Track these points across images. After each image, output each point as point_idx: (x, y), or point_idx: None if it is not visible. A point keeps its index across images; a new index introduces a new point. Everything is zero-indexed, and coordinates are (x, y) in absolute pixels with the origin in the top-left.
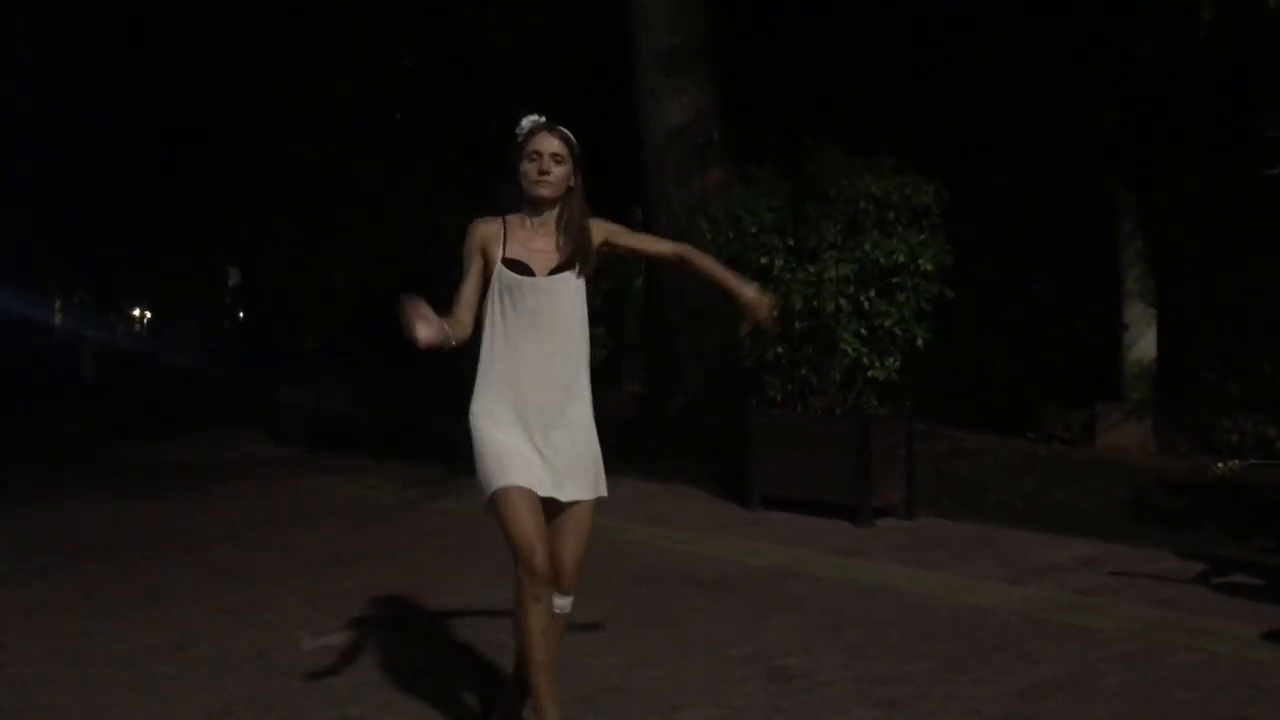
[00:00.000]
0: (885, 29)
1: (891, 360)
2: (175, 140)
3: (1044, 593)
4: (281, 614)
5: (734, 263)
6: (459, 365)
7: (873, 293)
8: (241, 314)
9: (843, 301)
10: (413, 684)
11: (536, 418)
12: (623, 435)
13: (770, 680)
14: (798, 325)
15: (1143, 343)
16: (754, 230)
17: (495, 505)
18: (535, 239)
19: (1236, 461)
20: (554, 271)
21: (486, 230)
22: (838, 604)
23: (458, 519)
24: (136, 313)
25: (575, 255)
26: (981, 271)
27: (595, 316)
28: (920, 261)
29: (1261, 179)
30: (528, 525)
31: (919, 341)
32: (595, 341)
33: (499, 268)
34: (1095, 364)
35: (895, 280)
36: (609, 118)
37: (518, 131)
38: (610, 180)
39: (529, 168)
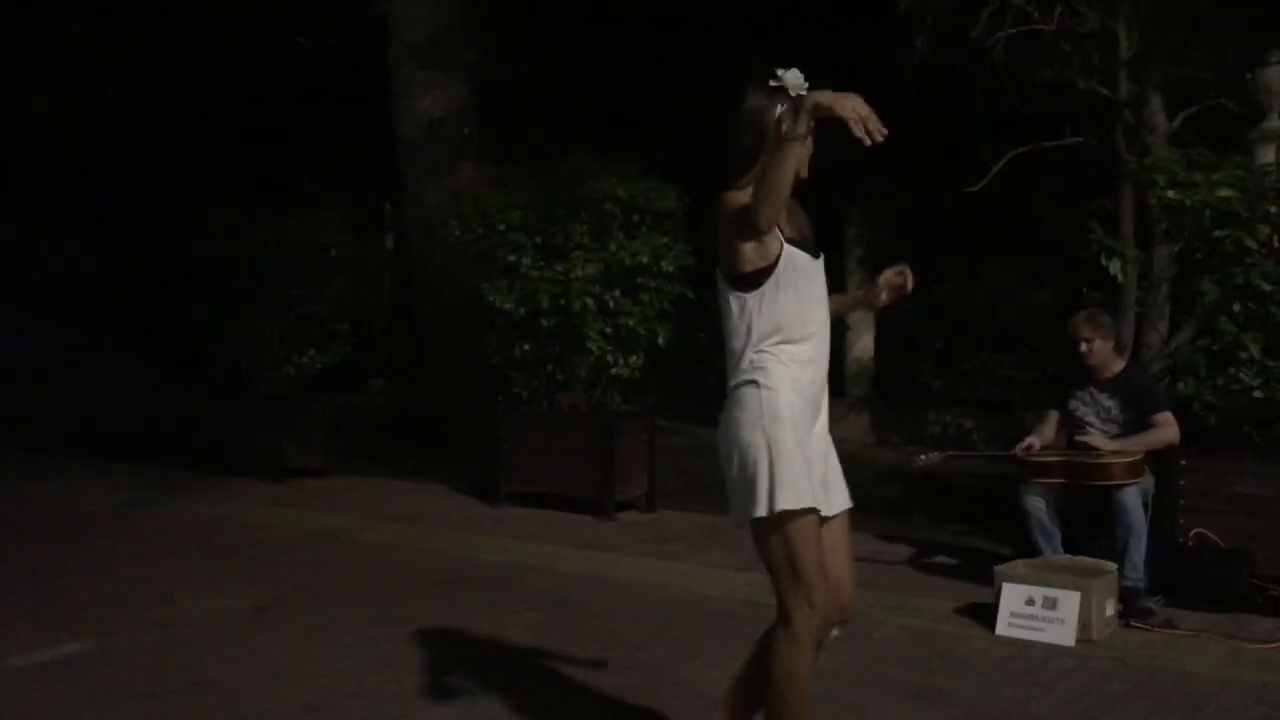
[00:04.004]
0: (637, 39)
1: (635, 358)
2: None
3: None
4: None
5: (483, 259)
6: (202, 362)
7: (618, 292)
8: None
9: (589, 300)
10: (127, 701)
11: (815, 418)
12: (369, 433)
13: (509, 676)
14: (545, 323)
15: (862, 342)
16: (502, 228)
17: (784, 527)
18: (794, 215)
19: (935, 454)
20: (818, 253)
21: None
22: (579, 597)
23: (182, 524)
24: None
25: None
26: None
27: (338, 312)
28: (663, 263)
29: (969, 197)
30: (821, 559)
31: (661, 340)
32: (338, 338)
33: (785, 249)
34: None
35: (639, 280)
36: (362, 110)
37: (787, 86)
38: (362, 173)
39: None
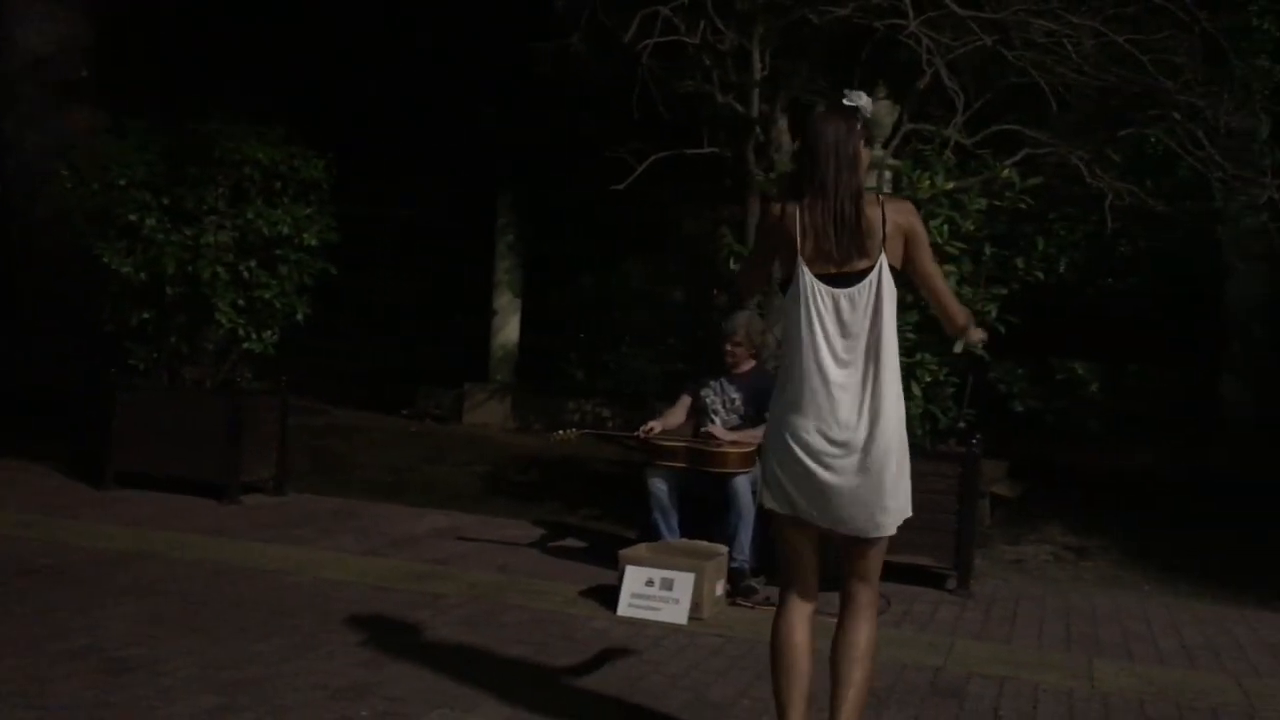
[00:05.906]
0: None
1: (270, 334)
2: None
3: (399, 563)
4: None
5: (98, 216)
6: None
7: (254, 263)
8: None
9: (221, 269)
10: None
11: None
12: None
13: (103, 673)
14: (169, 291)
15: (508, 329)
16: (123, 183)
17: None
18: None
19: (572, 430)
20: None
21: None
22: (192, 586)
23: None
24: None
25: None
26: (367, 252)
27: None
28: (305, 235)
29: (616, 196)
30: None
31: (299, 316)
32: None
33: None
34: (468, 346)
35: (278, 252)
36: None
37: (860, 107)
38: None
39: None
